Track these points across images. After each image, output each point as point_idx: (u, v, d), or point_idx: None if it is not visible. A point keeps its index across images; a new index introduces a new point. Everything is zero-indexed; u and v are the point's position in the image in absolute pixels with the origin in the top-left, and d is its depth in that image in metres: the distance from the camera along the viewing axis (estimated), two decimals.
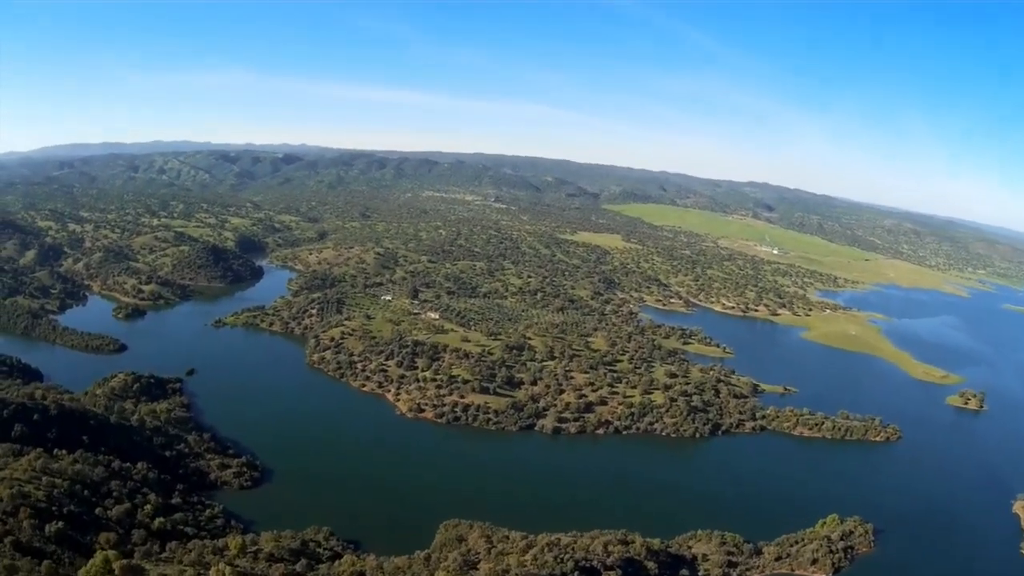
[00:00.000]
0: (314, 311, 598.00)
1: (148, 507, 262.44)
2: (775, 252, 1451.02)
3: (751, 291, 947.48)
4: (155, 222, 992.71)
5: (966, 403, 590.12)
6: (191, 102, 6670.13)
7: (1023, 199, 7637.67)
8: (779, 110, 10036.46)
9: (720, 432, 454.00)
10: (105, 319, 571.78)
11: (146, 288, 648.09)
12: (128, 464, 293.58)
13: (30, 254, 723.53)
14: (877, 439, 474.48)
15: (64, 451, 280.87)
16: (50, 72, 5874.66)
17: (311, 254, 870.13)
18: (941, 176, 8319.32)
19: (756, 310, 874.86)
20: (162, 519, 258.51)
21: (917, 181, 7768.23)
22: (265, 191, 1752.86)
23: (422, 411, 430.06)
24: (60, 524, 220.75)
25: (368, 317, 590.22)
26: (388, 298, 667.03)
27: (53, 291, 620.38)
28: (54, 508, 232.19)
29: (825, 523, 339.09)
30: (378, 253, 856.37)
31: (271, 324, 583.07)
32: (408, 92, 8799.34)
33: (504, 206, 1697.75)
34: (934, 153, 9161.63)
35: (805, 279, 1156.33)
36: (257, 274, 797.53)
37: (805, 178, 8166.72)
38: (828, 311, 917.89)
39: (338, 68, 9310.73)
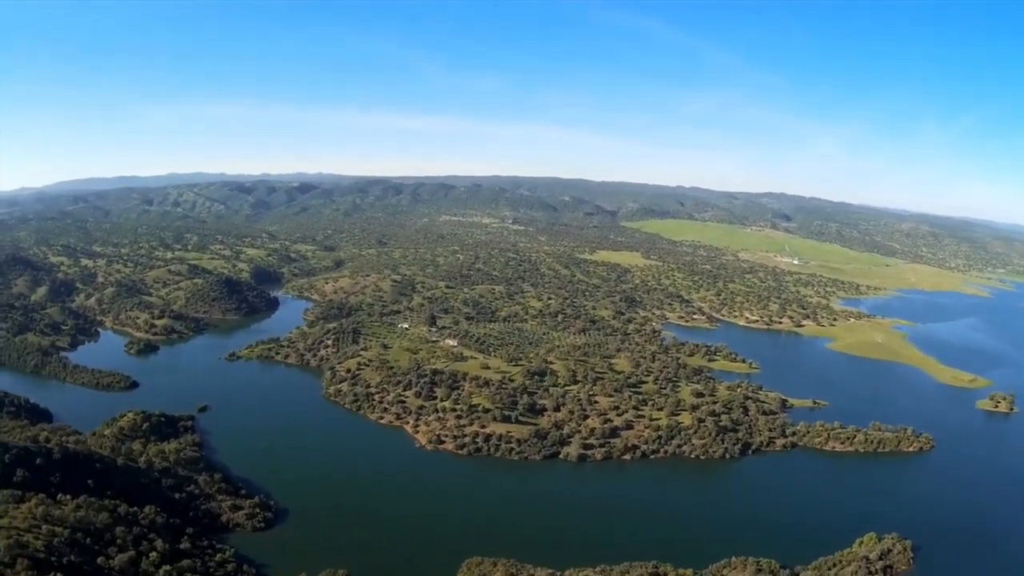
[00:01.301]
0: (330, 342, 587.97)
1: (154, 554, 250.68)
2: (796, 262, 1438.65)
3: (774, 303, 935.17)
4: (169, 255, 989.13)
5: (996, 406, 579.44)
6: (205, 133, 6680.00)
7: None
8: (792, 120, 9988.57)
9: (750, 451, 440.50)
10: (117, 355, 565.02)
11: (159, 323, 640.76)
12: (135, 508, 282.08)
13: (41, 290, 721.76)
14: (910, 450, 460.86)
15: (68, 496, 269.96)
16: (63, 106, 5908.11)
17: (327, 283, 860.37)
18: (954, 176, 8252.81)
19: (780, 322, 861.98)
20: (168, 567, 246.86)
21: (931, 183, 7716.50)
22: (281, 221, 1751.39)
23: (442, 443, 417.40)
24: None
25: (385, 346, 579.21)
26: (405, 326, 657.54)
27: (64, 327, 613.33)
28: (53, 558, 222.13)
29: (863, 542, 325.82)
30: (395, 280, 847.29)
31: (286, 356, 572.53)
32: (423, 117, 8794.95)
33: (522, 228, 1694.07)
34: (946, 154, 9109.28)
35: (827, 288, 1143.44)
36: (272, 305, 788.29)
37: (821, 186, 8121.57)
38: (852, 320, 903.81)
39: (352, 95, 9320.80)
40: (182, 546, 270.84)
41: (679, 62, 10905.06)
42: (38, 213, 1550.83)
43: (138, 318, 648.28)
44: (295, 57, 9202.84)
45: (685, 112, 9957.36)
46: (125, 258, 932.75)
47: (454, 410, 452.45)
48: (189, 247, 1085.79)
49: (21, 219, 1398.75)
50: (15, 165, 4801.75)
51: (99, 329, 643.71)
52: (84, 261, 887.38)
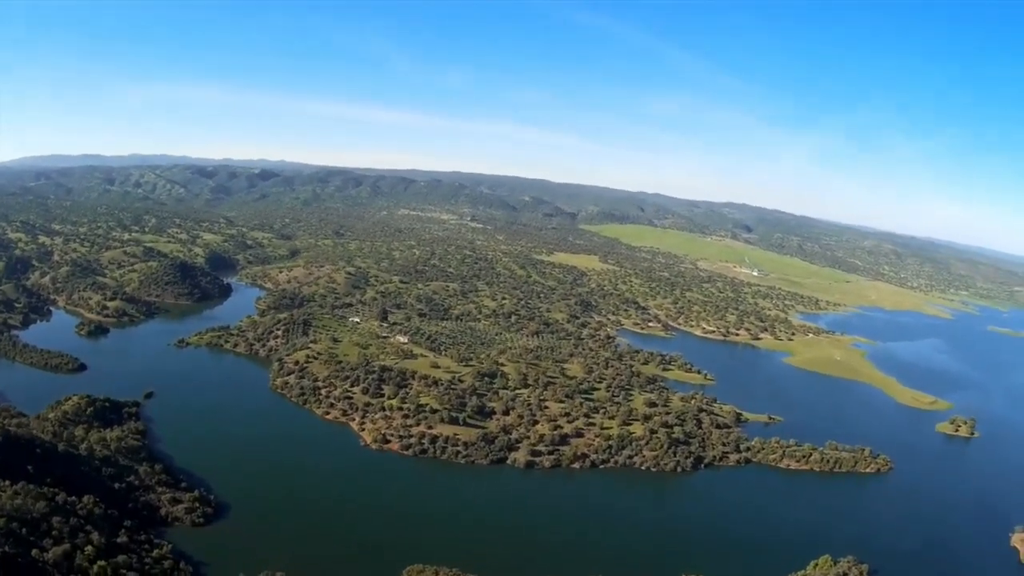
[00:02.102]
0: (280, 332, 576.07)
1: (90, 548, 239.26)
2: (755, 274, 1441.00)
3: (732, 314, 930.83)
4: (126, 236, 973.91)
5: (956, 430, 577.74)
6: (170, 116, 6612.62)
7: (1001, 220, 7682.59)
8: (758, 129, 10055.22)
9: (703, 465, 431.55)
10: (68, 336, 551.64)
11: (111, 304, 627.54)
12: (73, 498, 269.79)
13: None
14: (867, 470, 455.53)
15: (7, 482, 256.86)
16: (30, 82, 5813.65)
17: (281, 272, 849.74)
18: (921, 197, 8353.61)
19: (737, 334, 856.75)
20: (103, 563, 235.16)
21: (897, 202, 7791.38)
22: (240, 207, 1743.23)
23: (387, 442, 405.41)
24: None
25: (335, 340, 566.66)
26: (356, 320, 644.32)
27: (17, 305, 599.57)
28: None
29: (817, 564, 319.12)
30: (349, 272, 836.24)
31: (235, 345, 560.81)
32: (387, 110, 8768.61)
33: (480, 225, 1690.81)
34: (915, 174, 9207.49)
35: (786, 302, 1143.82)
36: (225, 292, 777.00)
37: (784, 199, 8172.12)
38: (811, 335, 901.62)
39: (318, 84, 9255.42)
40: (119, 540, 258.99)
41: (644, 64, 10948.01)
42: (0, 188, 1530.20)
43: (91, 299, 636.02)
44: (265, 44, 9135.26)
45: (649, 114, 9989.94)
46: (82, 237, 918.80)
47: (401, 409, 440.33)
48: (147, 229, 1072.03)
49: None
50: None
51: (52, 308, 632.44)
52: (42, 238, 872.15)
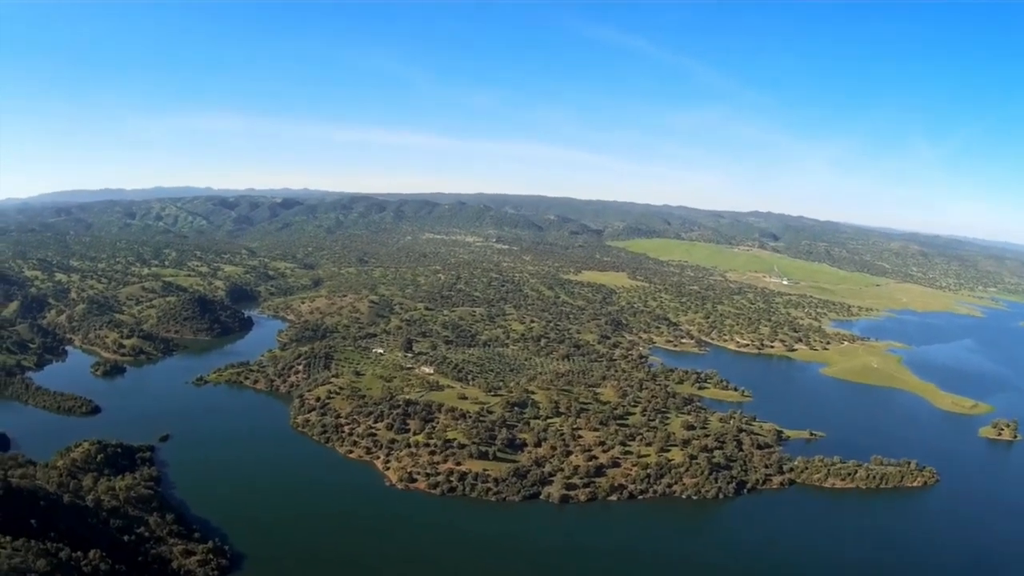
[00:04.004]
0: (301, 367, 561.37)
1: None
2: (785, 283, 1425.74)
3: (765, 326, 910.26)
4: (145, 271, 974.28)
5: (999, 434, 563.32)
6: (192, 147, 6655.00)
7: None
8: (779, 138, 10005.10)
9: (746, 490, 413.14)
10: (83, 376, 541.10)
11: (127, 343, 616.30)
12: (79, 553, 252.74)
13: (12, 306, 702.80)
14: (914, 485, 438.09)
15: (8, 538, 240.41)
16: (50, 117, 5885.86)
17: (303, 303, 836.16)
18: (943, 195, 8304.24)
19: (772, 346, 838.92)
20: None
21: (919, 202, 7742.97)
22: (263, 237, 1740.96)
23: (414, 481, 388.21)
24: None
25: (357, 373, 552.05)
26: (380, 351, 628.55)
27: (32, 345, 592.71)
28: None
29: None
30: (372, 301, 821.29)
31: (255, 381, 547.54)
32: (411, 134, 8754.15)
33: (506, 247, 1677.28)
34: (935, 173, 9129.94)
35: (818, 310, 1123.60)
36: (246, 325, 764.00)
37: (808, 205, 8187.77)
38: (846, 343, 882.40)
39: (340, 110, 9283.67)
40: None
41: (666, 80, 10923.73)
42: (20, 225, 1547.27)
43: (107, 337, 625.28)
44: (286, 71, 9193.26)
45: (672, 130, 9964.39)
46: (100, 273, 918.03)
47: (427, 445, 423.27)
48: (167, 263, 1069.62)
49: (2, 231, 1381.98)
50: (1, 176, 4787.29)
51: (68, 348, 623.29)
52: (59, 275, 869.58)
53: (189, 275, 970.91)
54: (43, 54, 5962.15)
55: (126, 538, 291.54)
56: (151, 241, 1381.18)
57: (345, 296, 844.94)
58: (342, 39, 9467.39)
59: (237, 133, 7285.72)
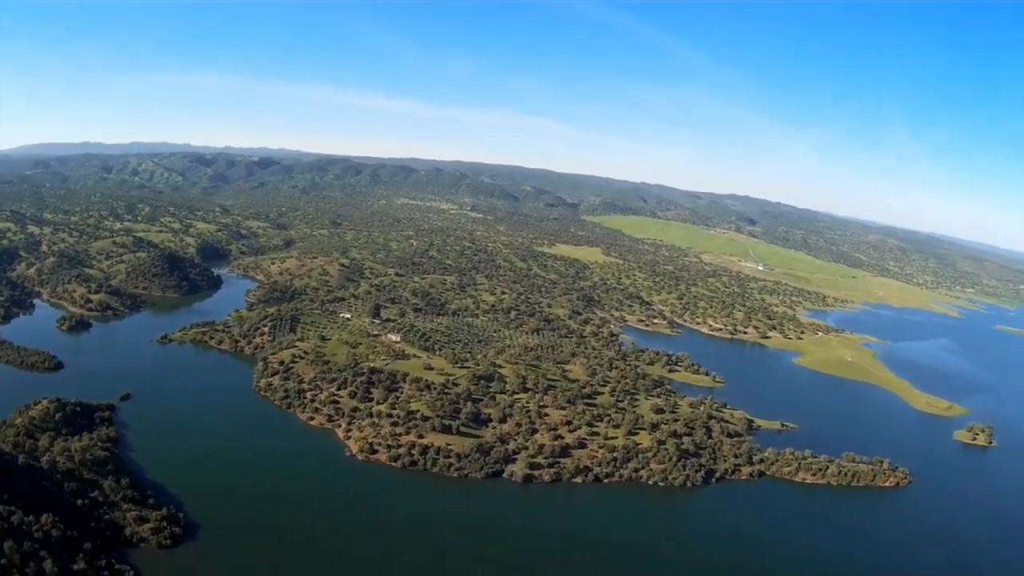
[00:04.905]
0: (266, 329, 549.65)
1: None
2: (760, 268, 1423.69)
3: (739, 311, 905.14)
4: (117, 226, 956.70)
5: (974, 438, 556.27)
6: (172, 104, 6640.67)
7: (1006, 217, 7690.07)
8: (761, 123, 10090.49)
9: (714, 479, 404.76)
10: (49, 331, 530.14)
11: (95, 298, 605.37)
12: (31, 517, 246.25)
13: None
14: (886, 484, 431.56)
15: None
16: (31, 70, 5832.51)
17: (273, 263, 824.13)
18: (923, 190, 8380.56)
19: (745, 332, 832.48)
20: None
21: (899, 196, 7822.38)
22: (237, 195, 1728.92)
23: (375, 452, 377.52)
24: None
25: (323, 338, 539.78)
26: (347, 316, 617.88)
27: None
28: None
29: None
30: (343, 264, 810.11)
31: (220, 342, 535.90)
32: (389, 99, 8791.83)
33: (480, 215, 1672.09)
34: (916, 168, 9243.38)
35: (793, 298, 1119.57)
36: (215, 284, 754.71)
37: (787, 192, 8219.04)
38: (820, 333, 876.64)
39: (320, 72, 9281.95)
40: (77, 566, 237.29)
41: (647, 57, 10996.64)
42: None
43: (75, 291, 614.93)
44: (267, 32, 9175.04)
45: (651, 106, 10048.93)
46: (72, 226, 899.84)
47: (390, 415, 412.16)
48: (139, 218, 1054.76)
49: None
50: None
51: (36, 301, 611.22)
52: (31, 228, 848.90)
53: (161, 231, 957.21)
54: (25, 10, 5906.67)
55: (80, 502, 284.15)
56: (126, 196, 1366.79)
57: (316, 258, 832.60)
58: (323, 1, 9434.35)
59: (216, 91, 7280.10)
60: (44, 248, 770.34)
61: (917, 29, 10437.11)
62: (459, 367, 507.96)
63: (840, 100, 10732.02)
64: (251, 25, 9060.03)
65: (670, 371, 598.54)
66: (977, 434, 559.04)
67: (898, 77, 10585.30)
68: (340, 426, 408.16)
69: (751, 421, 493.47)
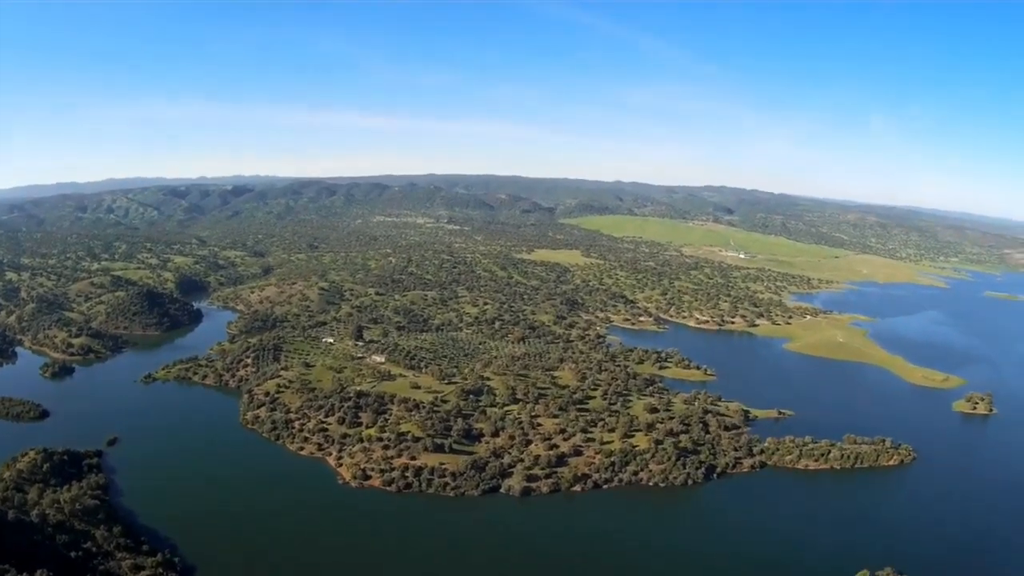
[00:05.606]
0: (249, 360, 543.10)
1: None
2: (742, 256, 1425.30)
3: (724, 301, 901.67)
4: (95, 266, 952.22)
5: (974, 408, 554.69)
6: (143, 135, 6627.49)
7: (984, 184, 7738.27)
8: (735, 113, 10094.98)
9: (715, 475, 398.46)
10: (32, 379, 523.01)
11: (76, 342, 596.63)
12: (24, 574, 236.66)
13: None
14: (890, 463, 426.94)
15: None
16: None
17: (253, 292, 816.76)
18: (902, 166, 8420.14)
19: (732, 322, 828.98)
20: None
21: (878, 172, 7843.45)
22: (213, 225, 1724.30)
23: (368, 478, 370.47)
24: None
25: (307, 365, 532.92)
26: (330, 340, 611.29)
27: None
28: None
29: None
30: (322, 288, 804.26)
31: (204, 377, 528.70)
32: (360, 115, 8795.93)
33: (457, 227, 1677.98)
34: (891, 144, 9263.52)
35: (778, 283, 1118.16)
36: (196, 318, 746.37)
37: (762, 179, 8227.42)
38: (808, 316, 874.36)
39: (289, 93, 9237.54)
40: None
41: (619, 55, 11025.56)
42: None
43: (56, 337, 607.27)
44: (235, 55, 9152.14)
45: (624, 104, 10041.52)
46: (50, 270, 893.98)
47: (380, 439, 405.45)
48: (117, 256, 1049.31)
49: None
50: None
51: (17, 349, 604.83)
52: (9, 275, 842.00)
53: (139, 268, 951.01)
54: None
55: (73, 554, 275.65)
56: (102, 234, 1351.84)
57: (295, 284, 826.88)
58: (290, 20, 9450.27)
59: (187, 120, 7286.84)
60: (23, 295, 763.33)
61: (884, 7, 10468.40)
62: (447, 383, 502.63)
63: (813, 83, 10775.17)
64: (217, 49, 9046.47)
65: (661, 368, 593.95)
66: (977, 403, 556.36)
67: (872, 55, 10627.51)
68: (331, 454, 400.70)
69: (747, 412, 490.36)
